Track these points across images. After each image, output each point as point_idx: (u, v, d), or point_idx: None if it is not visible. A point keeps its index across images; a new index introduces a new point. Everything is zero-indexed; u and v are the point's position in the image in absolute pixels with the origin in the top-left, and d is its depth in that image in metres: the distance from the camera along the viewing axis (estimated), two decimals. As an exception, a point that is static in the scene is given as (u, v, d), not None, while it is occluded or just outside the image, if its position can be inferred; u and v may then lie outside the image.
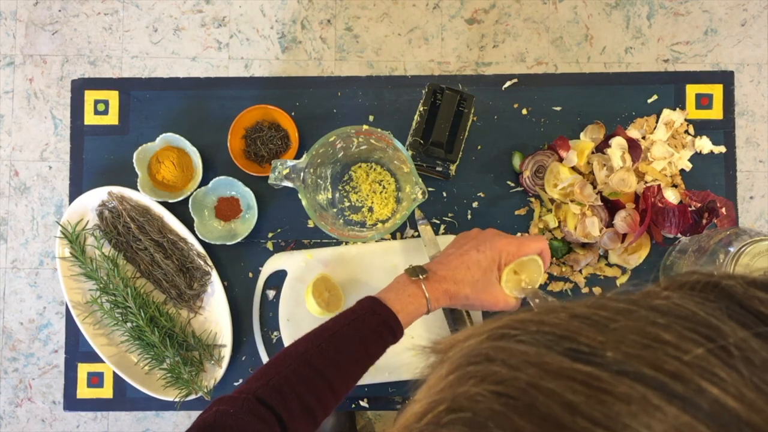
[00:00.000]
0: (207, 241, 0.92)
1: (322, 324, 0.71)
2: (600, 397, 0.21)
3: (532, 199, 0.94)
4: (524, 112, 0.95)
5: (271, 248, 0.95)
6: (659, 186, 0.89)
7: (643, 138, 0.93)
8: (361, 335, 0.69)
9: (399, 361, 0.89)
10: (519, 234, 0.93)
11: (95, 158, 0.97)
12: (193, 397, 0.91)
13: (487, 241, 0.76)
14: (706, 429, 0.20)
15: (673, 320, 0.24)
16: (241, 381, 0.94)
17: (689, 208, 0.86)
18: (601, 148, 0.91)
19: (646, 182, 0.91)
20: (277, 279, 0.94)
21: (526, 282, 0.77)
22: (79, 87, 0.98)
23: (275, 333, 0.94)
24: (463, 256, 0.76)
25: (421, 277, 0.74)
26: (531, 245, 0.76)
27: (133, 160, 0.92)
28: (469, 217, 0.94)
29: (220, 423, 0.59)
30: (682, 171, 0.93)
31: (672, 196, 0.91)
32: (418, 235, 0.93)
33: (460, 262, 0.75)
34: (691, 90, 0.95)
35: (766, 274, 0.27)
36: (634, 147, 0.90)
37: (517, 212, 0.94)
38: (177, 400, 0.91)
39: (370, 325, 0.70)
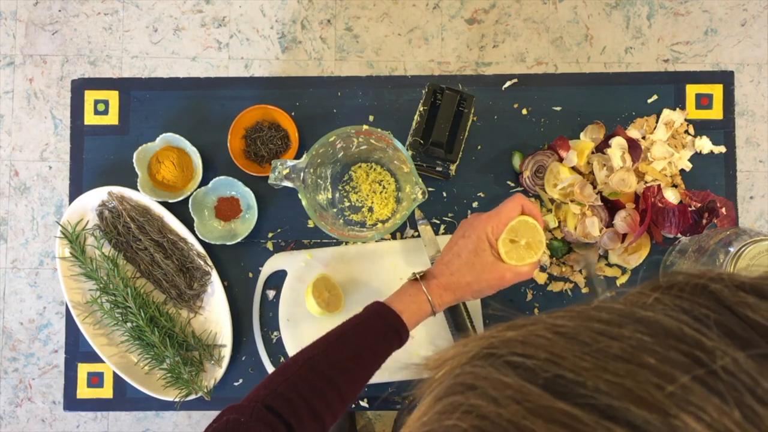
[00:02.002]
0: (207, 241, 0.92)
1: (329, 330, 0.71)
2: None
3: (532, 199, 0.94)
4: (524, 112, 0.95)
5: (271, 248, 0.95)
6: (659, 186, 0.89)
7: (643, 138, 0.93)
8: (366, 338, 0.69)
9: (399, 362, 0.89)
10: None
11: (95, 158, 0.97)
12: (193, 397, 0.91)
13: (469, 225, 0.76)
14: None
15: (658, 339, 0.22)
16: (241, 381, 0.94)
17: (689, 208, 0.86)
18: (601, 148, 0.91)
19: (646, 182, 0.91)
20: (277, 279, 0.94)
21: (528, 243, 0.75)
22: (79, 87, 0.98)
23: (275, 333, 0.94)
24: (453, 248, 0.76)
25: (417, 276, 0.75)
26: (508, 207, 0.75)
27: (133, 160, 0.92)
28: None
29: None
30: (682, 171, 0.93)
31: (672, 196, 0.91)
32: (418, 235, 0.93)
33: (452, 254, 0.76)
34: (691, 90, 0.95)
35: (753, 276, 0.25)
36: (634, 147, 0.90)
37: (517, 212, 0.94)
38: (177, 400, 0.91)
39: (375, 327, 0.70)
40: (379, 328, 0.70)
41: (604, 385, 0.21)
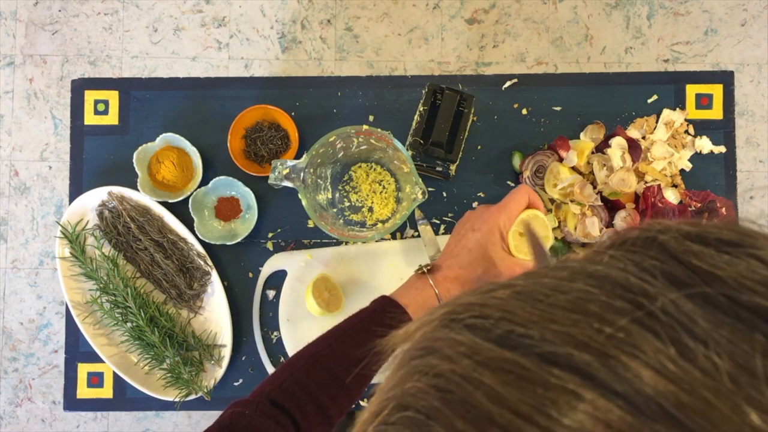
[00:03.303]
0: (207, 241, 0.92)
1: (335, 325, 0.71)
2: (524, 387, 0.21)
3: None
4: (524, 112, 0.95)
5: (271, 248, 0.95)
6: (659, 186, 0.89)
7: (643, 138, 0.93)
8: (371, 332, 0.69)
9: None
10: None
11: (95, 158, 0.97)
12: (193, 397, 0.91)
13: (478, 217, 0.75)
14: (620, 411, 0.20)
15: (604, 289, 0.23)
16: (241, 381, 0.94)
17: (689, 209, 0.86)
18: (601, 148, 0.91)
19: (646, 182, 0.91)
20: (277, 279, 0.94)
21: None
22: (79, 87, 0.98)
23: (275, 333, 0.94)
24: (462, 240, 0.75)
25: (425, 269, 0.74)
26: (516, 198, 0.74)
27: (133, 160, 0.92)
28: (469, 217, 0.94)
29: (235, 424, 0.60)
30: (682, 171, 0.93)
31: (672, 196, 0.91)
32: (418, 235, 0.93)
33: (460, 247, 0.75)
34: (691, 90, 0.95)
35: (700, 225, 0.26)
36: (634, 147, 0.90)
37: (517, 212, 0.94)
38: (177, 400, 0.91)
39: (380, 321, 0.69)
40: (384, 322, 0.69)
41: (549, 334, 0.22)
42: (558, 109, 0.95)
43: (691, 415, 0.19)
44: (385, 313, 0.70)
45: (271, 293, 0.94)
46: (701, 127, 0.94)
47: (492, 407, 0.21)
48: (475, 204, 0.94)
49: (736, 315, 0.21)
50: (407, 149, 0.85)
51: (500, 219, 0.73)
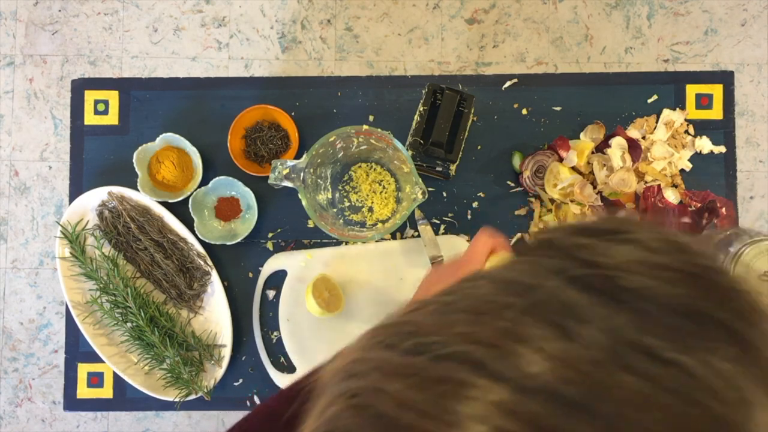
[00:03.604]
0: (207, 241, 0.92)
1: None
2: (426, 387, 0.22)
3: (532, 199, 0.94)
4: (524, 112, 0.95)
5: (271, 248, 0.95)
6: (659, 186, 0.89)
7: (643, 138, 0.93)
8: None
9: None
10: (518, 234, 0.93)
11: (95, 158, 0.97)
12: (193, 397, 0.91)
13: (443, 275, 0.71)
14: (510, 393, 0.21)
15: (499, 290, 0.25)
16: (241, 381, 0.94)
17: (689, 209, 0.86)
18: (601, 148, 0.91)
19: (646, 182, 0.91)
20: (277, 279, 0.94)
21: None
22: (79, 87, 0.98)
23: (275, 333, 0.94)
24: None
25: None
26: (478, 250, 0.66)
27: (133, 160, 0.92)
28: (469, 217, 0.94)
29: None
30: (682, 171, 0.93)
31: (672, 196, 0.91)
32: (418, 235, 0.93)
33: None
34: (691, 90, 0.95)
35: (586, 221, 0.29)
36: (634, 147, 0.90)
37: (517, 212, 0.94)
38: (177, 400, 0.91)
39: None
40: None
41: (451, 338, 0.24)
42: (558, 109, 0.95)
43: (574, 387, 0.21)
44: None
45: (271, 293, 0.94)
46: (701, 127, 0.94)
47: (400, 412, 0.22)
48: (475, 204, 0.94)
49: (612, 294, 0.24)
50: (407, 149, 0.85)
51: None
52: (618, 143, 0.90)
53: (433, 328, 0.24)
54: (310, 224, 0.95)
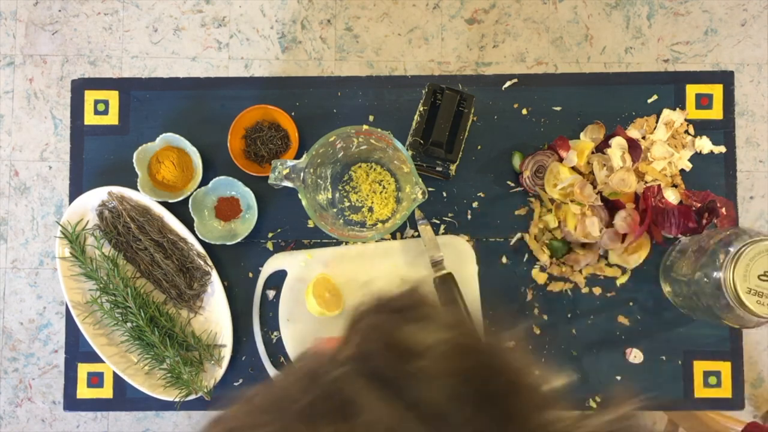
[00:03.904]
0: (207, 241, 0.92)
1: None
2: None
3: (532, 199, 0.94)
4: (524, 112, 0.95)
5: (271, 248, 0.95)
6: (659, 186, 0.89)
7: (643, 138, 0.93)
8: None
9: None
10: (519, 233, 0.93)
11: (95, 158, 0.97)
12: (193, 397, 0.91)
13: None
14: None
15: (301, 381, 0.31)
16: (241, 381, 0.94)
17: (690, 209, 0.86)
18: (601, 148, 0.91)
19: (646, 182, 0.91)
20: (277, 279, 0.94)
21: None
22: (79, 87, 0.98)
23: (275, 333, 0.94)
24: None
25: None
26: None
27: (133, 160, 0.92)
28: (469, 217, 0.94)
29: None
30: (682, 171, 0.93)
31: (672, 196, 0.91)
32: (418, 235, 0.93)
33: None
34: (691, 90, 0.95)
35: (387, 298, 0.36)
36: (634, 147, 0.90)
37: (517, 212, 0.94)
38: (177, 400, 0.91)
39: None
40: None
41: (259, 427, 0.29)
42: (558, 109, 0.95)
43: None
44: None
45: (271, 293, 0.94)
46: (701, 127, 0.94)
47: None
48: (475, 204, 0.94)
49: (386, 381, 0.27)
50: (407, 149, 0.85)
51: None
52: (618, 143, 0.90)
53: (246, 423, 0.30)
54: (310, 224, 0.95)
